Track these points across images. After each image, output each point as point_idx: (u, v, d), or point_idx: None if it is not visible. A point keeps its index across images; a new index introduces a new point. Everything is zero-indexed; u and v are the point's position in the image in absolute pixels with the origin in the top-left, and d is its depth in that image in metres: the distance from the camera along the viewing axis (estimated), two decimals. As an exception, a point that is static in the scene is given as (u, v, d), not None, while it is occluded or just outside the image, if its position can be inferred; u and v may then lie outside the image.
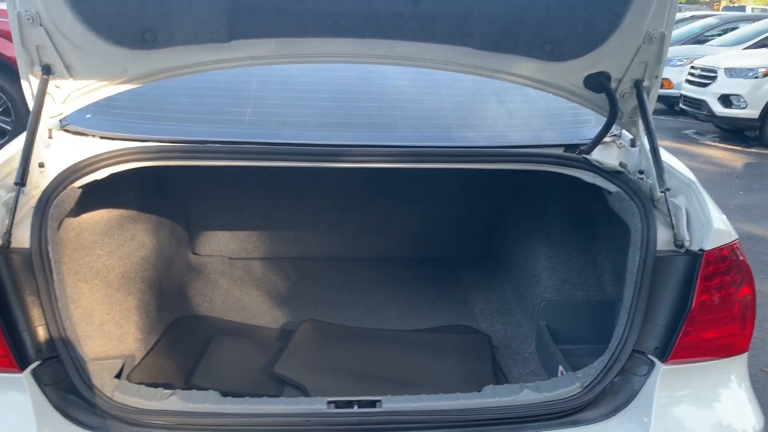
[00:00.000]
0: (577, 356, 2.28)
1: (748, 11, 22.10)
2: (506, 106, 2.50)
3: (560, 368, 2.21)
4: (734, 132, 9.80)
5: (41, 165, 1.88)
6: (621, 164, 2.09)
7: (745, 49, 11.16)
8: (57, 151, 1.96)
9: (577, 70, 1.98)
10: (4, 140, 7.34)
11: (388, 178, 2.70)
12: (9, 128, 7.33)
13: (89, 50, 1.84)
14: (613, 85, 2.00)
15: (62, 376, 1.64)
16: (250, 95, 2.44)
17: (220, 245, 3.09)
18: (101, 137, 2.10)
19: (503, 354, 2.49)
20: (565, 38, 1.92)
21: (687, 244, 1.80)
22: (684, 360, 1.78)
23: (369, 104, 2.44)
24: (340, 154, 2.00)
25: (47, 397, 1.62)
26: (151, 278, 2.51)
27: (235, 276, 3.00)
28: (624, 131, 2.27)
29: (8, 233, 1.65)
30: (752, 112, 9.14)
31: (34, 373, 1.62)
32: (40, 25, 1.77)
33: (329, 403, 1.71)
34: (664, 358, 1.76)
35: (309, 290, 2.93)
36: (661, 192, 1.87)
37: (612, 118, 2.06)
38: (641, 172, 2.04)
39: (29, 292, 1.64)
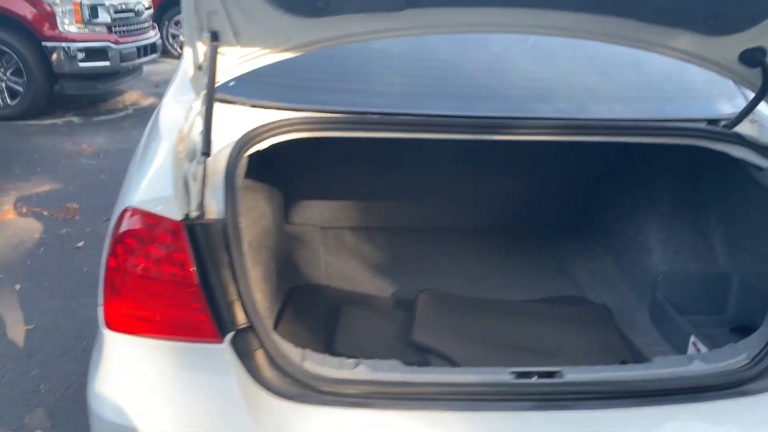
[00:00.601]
0: (701, 327, 2.33)
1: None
2: (643, 78, 2.50)
3: (692, 339, 2.25)
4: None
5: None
6: None
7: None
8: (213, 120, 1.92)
9: (735, 44, 1.98)
10: (16, 101, 7.17)
11: (484, 148, 2.69)
12: (21, 89, 7.16)
13: (258, 17, 1.79)
14: None
15: (255, 346, 1.63)
16: (397, 65, 2.40)
17: (312, 214, 3.08)
18: (251, 106, 2.05)
19: (619, 325, 2.53)
20: (731, 12, 1.91)
21: None
22: None
23: (516, 75, 2.42)
24: (497, 126, 1.99)
25: (244, 367, 1.61)
26: (272, 247, 2.50)
27: (330, 245, 2.99)
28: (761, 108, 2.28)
29: (202, 204, 1.62)
30: None
31: (232, 343, 1.62)
32: None
33: (511, 373, 1.72)
34: None
35: (404, 260, 2.93)
36: None
37: (762, 93, 2.06)
38: None
39: (223, 263, 1.62)
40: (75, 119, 7.48)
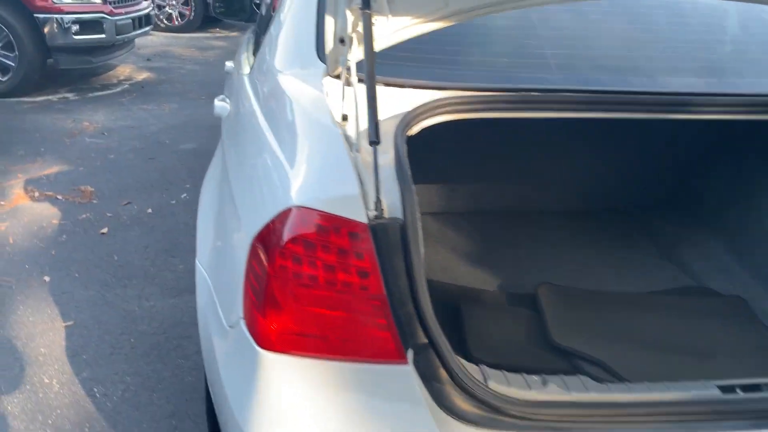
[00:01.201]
0: None
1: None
2: None
3: None
4: None
5: (344, 118, 1.61)
6: None
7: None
8: (347, 100, 1.67)
9: None
10: (7, 77, 6.78)
11: (584, 124, 2.47)
12: (12, 64, 6.76)
13: None
14: None
15: (437, 366, 1.40)
16: (539, 34, 2.15)
17: None
18: (384, 84, 1.81)
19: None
20: None
21: None
22: None
23: (671, 45, 2.18)
24: (678, 104, 1.77)
25: (430, 392, 1.38)
26: None
27: None
28: None
29: (379, 200, 1.38)
30: None
31: (415, 364, 1.39)
32: None
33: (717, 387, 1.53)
34: None
35: (496, 248, 2.69)
36: None
37: None
38: None
39: (401, 270, 1.39)
40: (70, 95, 7.10)
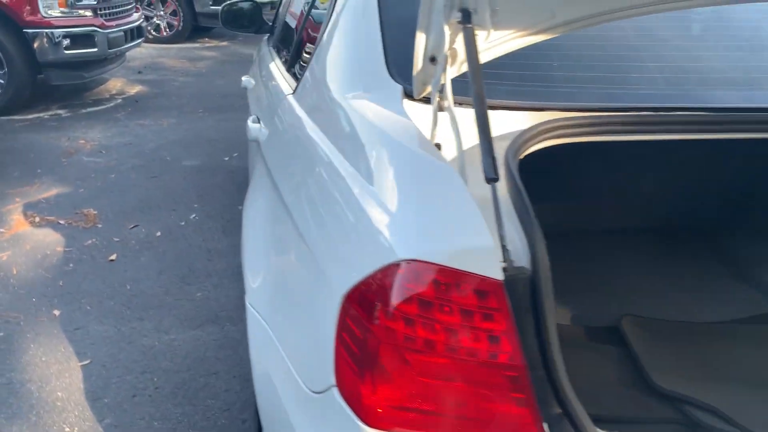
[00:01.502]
0: None
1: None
2: None
3: None
4: None
5: (438, 147, 1.41)
6: None
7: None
8: (439, 127, 1.47)
9: None
10: (-4, 95, 6.51)
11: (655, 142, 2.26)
12: (1, 81, 6.51)
13: None
14: None
15: None
16: (637, 45, 1.95)
17: None
18: (459, 104, 1.59)
19: None
20: None
21: None
22: None
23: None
24: None
25: None
26: None
27: None
28: None
29: (506, 248, 1.18)
30: None
31: None
32: None
33: None
34: None
35: (563, 273, 2.44)
36: None
37: None
38: None
39: (530, 330, 1.19)
40: (62, 112, 6.84)
